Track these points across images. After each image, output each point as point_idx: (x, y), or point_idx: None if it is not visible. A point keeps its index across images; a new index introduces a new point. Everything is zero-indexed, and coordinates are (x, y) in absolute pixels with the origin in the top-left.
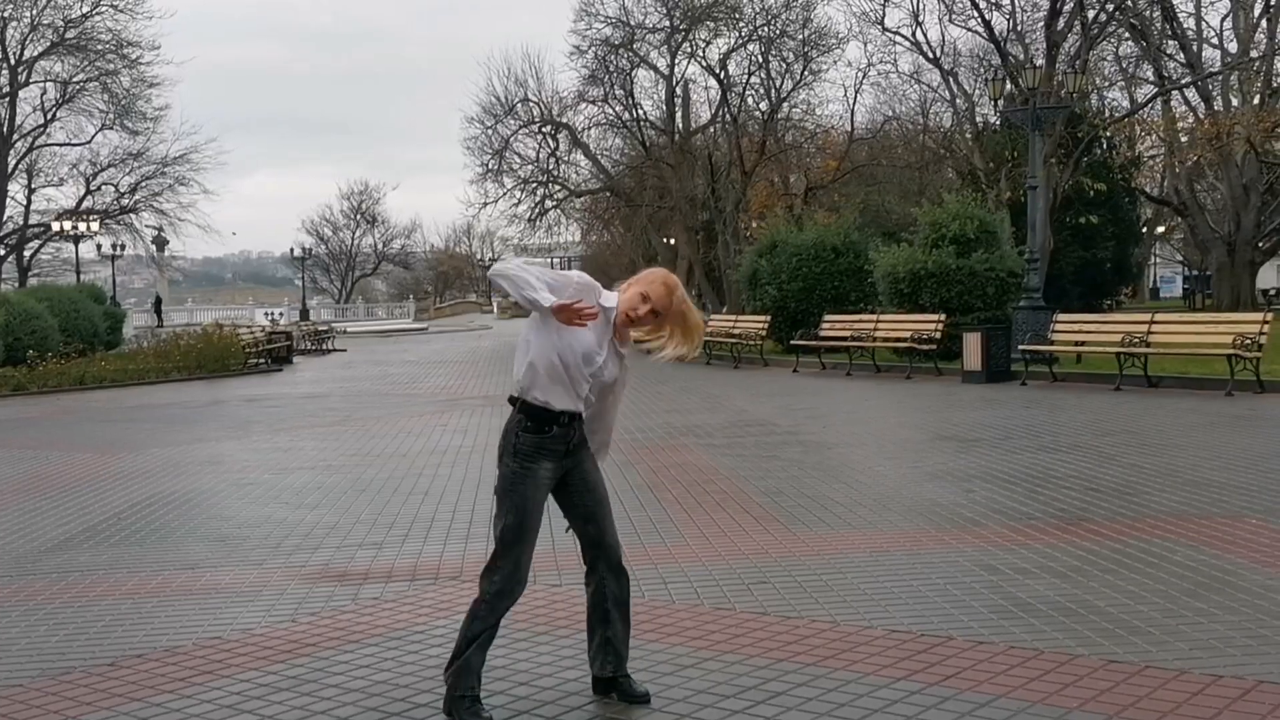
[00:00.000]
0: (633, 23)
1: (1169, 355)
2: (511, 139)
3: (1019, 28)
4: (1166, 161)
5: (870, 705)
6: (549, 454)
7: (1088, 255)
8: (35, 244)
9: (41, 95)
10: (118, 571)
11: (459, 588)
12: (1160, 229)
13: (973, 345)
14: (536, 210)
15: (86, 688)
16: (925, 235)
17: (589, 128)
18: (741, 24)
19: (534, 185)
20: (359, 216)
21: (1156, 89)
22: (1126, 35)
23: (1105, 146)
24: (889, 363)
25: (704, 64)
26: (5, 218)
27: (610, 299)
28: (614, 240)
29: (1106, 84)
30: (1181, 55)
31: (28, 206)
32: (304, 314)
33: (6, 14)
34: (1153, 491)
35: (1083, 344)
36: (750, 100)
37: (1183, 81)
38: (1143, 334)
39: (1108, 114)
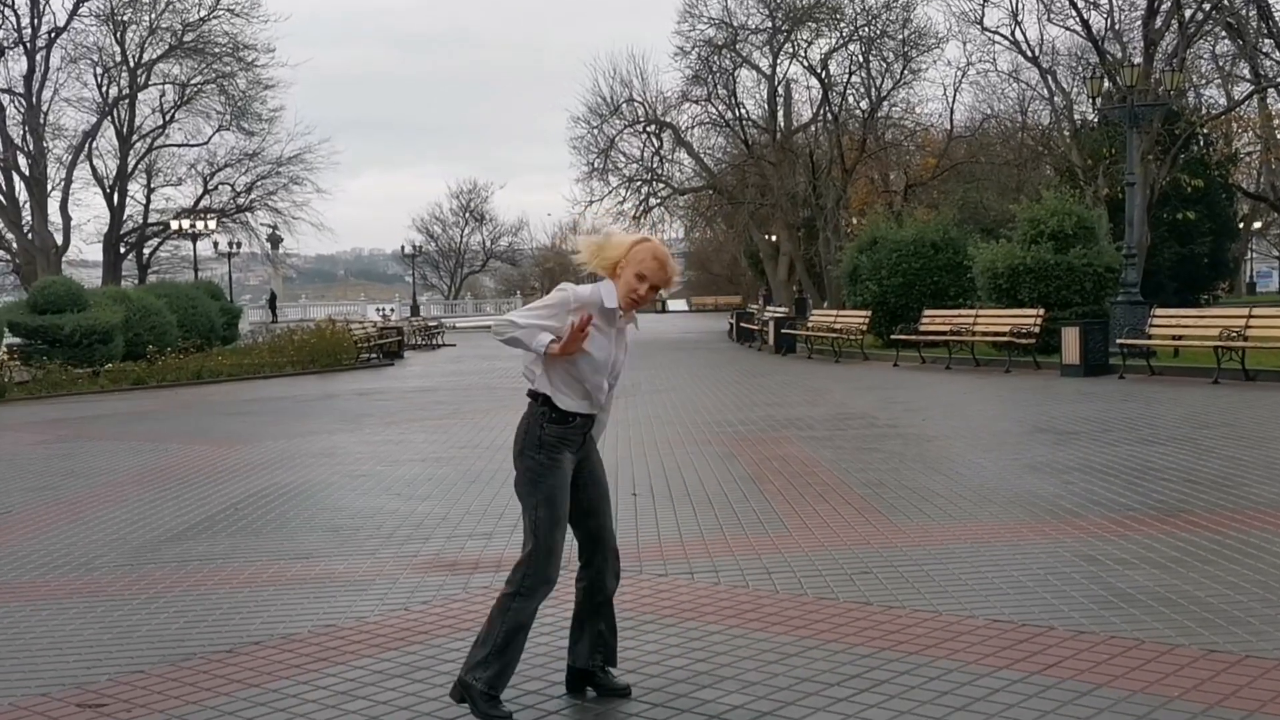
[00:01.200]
0: (735, 24)
1: (1267, 349)
2: (617, 138)
3: (1117, 26)
4: (1263, 158)
5: (973, 693)
6: (570, 444)
7: (1184, 251)
8: (154, 242)
9: (160, 97)
10: (235, 560)
11: (565, 577)
12: (1257, 224)
13: (1071, 339)
14: (641, 208)
15: (206, 673)
16: (1024, 231)
17: (692, 127)
18: (842, 24)
19: (638, 183)
20: (467, 214)
21: (1253, 87)
22: (1223, 33)
23: (1202, 143)
24: (988, 357)
25: (805, 64)
26: (125, 217)
27: (610, 295)
28: (716, 237)
29: (1203, 81)
30: (1278, 53)
31: (147, 205)
32: (414, 310)
33: (126, 18)
34: (1252, 483)
35: (1180, 338)
36: (851, 99)
37: (1279, 80)
38: (1240, 328)
39: (1204, 111)
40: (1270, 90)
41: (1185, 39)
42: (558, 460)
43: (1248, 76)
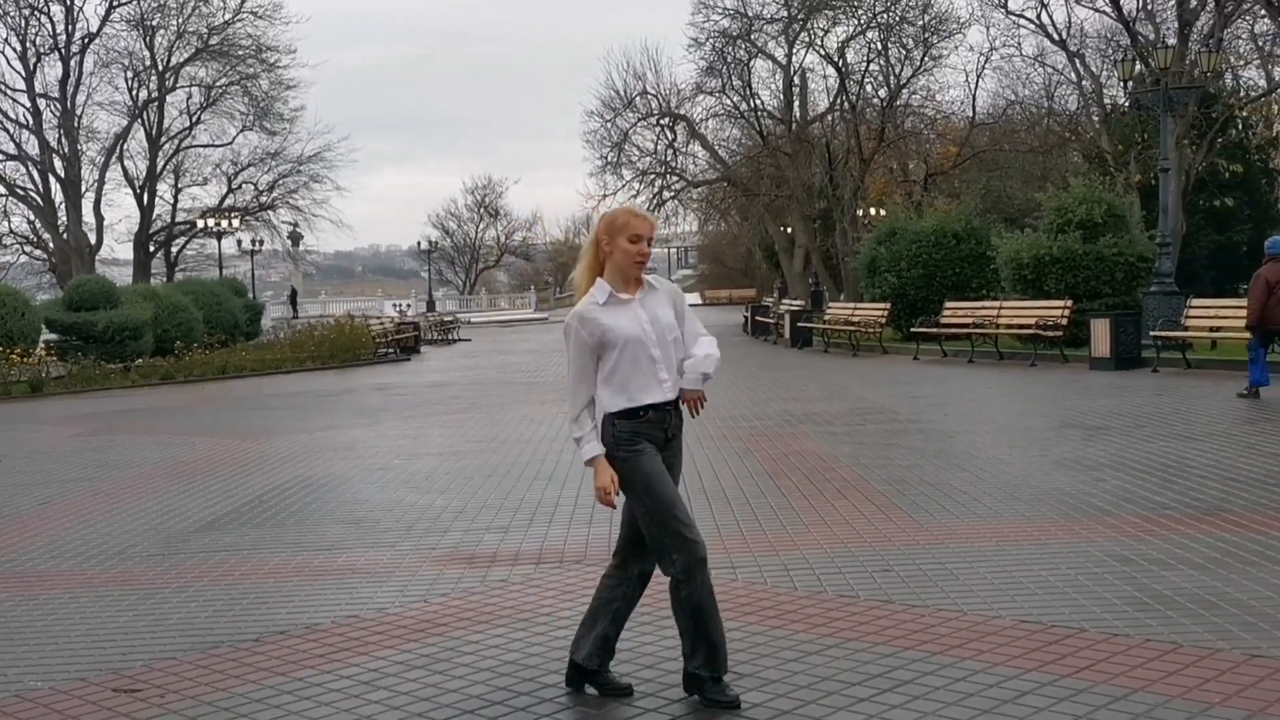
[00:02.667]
0: (750, 14)
1: None
2: (630, 131)
3: (1149, 6)
4: None
5: (1000, 696)
6: (647, 437)
7: (1222, 239)
8: (181, 240)
9: (187, 99)
10: (260, 552)
11: (583, 571)
12: None
13: (1101, 331)
14: (655, 201)
15: (234, 661)
16: (1050, 220)
17: (706, 119)
18: (860, 11)
19: (652, 177)
20: (482, 210)
21: None
22: (1263, 12)
23: (1241, 127)
24: (1012, 350)
25: (822, 53)
26: (154, 216)
27: (601, 292)
28: (731, 229)
29: (1241, 62)
30: None
31: (175, 205)
32: (430, 305)
33: (155, 23)
34: None
35: (1218, 330)
36: (869, 88)
37: None
38: None
39: (1243, 93)
40: None
41: (1222, 18)
42: (639, 450)
43: None
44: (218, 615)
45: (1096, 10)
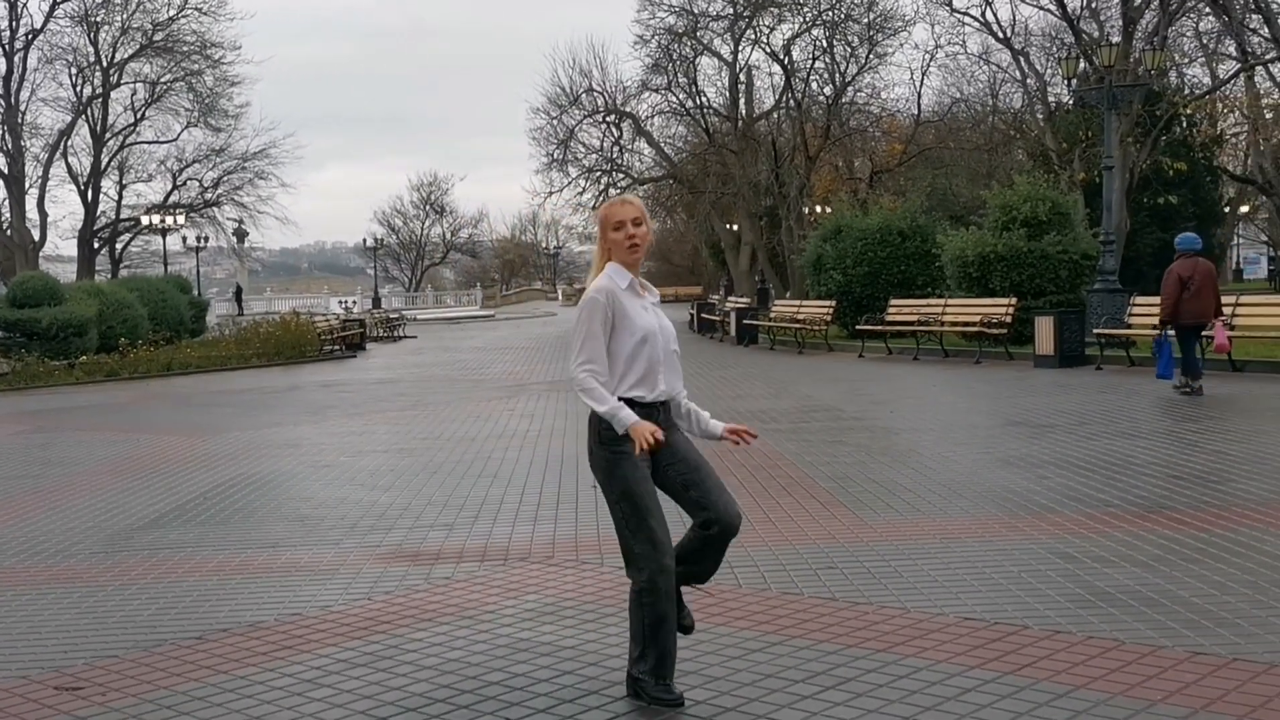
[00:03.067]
0: (696, 10)
1: (1255, 339)
2: (576, 129)
3: (1093, 4)
4: (1250, 139)
5: (943, 693)
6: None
7: (1166, 237)
8: (126, 237)
9: (132, 96)
10: (204, 549)
11: (528, 568)
12: (1244, 209)
13: (1045, 329)
14: (600, 198)
15: (177, 659)
16: (995, 218)
17: (652, 116)
18: (805, 9)
19: (598, 174)
20: (428, 207)
21: (1239, 65)
22: (1207, 9)
23: (1185, 125)
24: (957, 348)
25: (768, 50)
26: (99, 213)
27: (618, 274)
28: (677, 227)
29: (1186, 60)
30: (1265, 29)
31: (119, 202)
32: (376, 302)
33: (99, 19)
34: (1239, 479)
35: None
36: (814, 85)
37: (1267, 57)
38: (1227, 317)
39: (1188, 91)
40: (1257, 68)
41: (1167, 16)
42: (623, 451)
43: (1233, 54)
44: (161, 613)
45: (1041, 8)
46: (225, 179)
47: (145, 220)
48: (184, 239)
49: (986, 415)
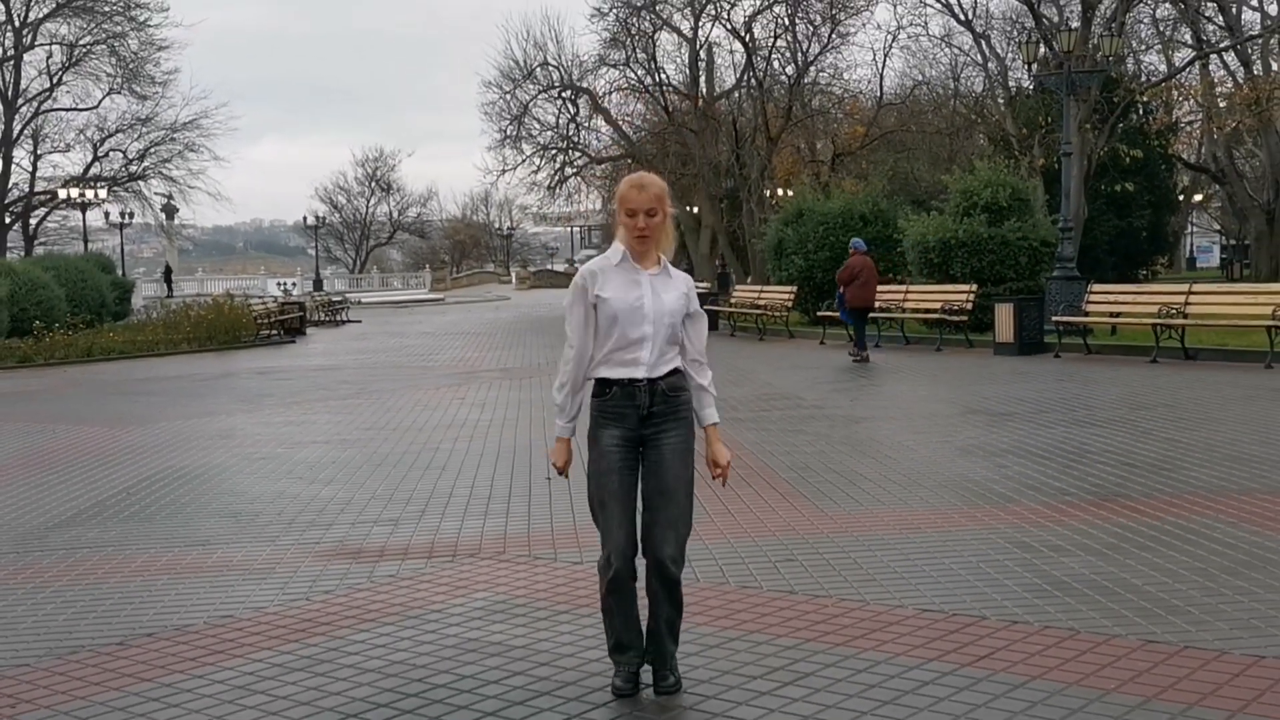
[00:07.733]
0: None
1: (1207, 327)
2: (531, 104)
3: None
4: (1204, 128)
5: (901, 686)
6: (613, 419)
7: (1123, 224)
8: (41, 212)
9: (47, 59)
10: (127, 548)
11: (477, 565)
12: (1198, 197)
13: (1005, 317)
14: (556, 177)
15: (95, 667)
16: (956, 203)
17: (610, 92)
18: None
19: (553, 152)
20: (374, 184)
21: (1195, 53)
22: None
23: (1141, 112)
24: (918, 335)
25: (729, 26)
26: (10, 185)
27: (615, 252)
28: None
29: (1143, 47)
30: (1220, 18)
31: (33, 173)
32: (317, 284)
33: None
34: (1191, 467)
35: (1118, 315)
36: (776, 64)
37: (1221, 45)
38: (1180, 305)
39: (1144, 78)
40: (1212, 57)
41: (1125, 3)
42: (598, 436)
43: (1189, 42)
44: (78, 617)
45: None
46: (152, 151)
47: (63, 194)
48: (106, 214)
49: (947, 403)
